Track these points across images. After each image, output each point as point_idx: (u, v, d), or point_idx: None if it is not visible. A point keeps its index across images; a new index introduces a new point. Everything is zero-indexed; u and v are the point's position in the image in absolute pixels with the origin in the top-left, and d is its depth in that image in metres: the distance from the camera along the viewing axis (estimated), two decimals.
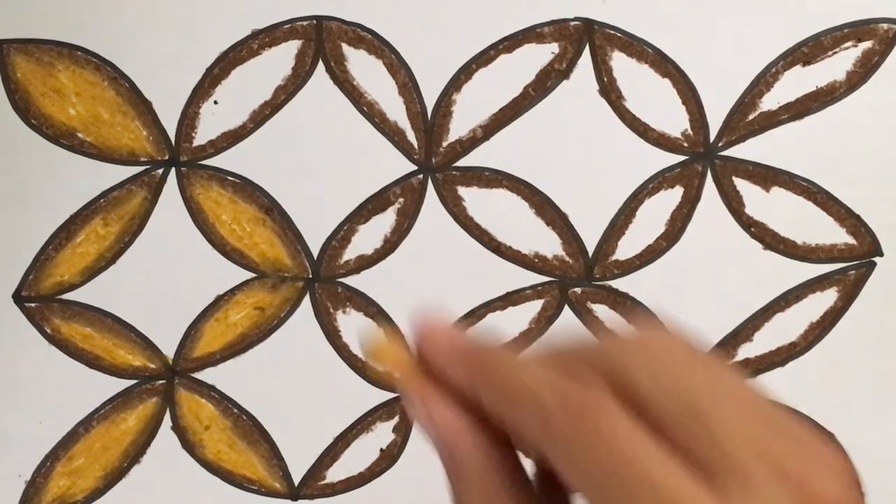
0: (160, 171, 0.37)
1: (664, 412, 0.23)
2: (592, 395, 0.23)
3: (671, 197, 0.39)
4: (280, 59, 0.37)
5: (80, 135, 0.36)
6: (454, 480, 0.26)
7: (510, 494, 0.25)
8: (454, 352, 0.26)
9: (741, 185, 0.39)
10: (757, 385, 0.25)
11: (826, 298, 0.40)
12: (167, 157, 0.37)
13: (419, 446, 0.39)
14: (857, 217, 0.40)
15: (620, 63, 0.38)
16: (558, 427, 0.23)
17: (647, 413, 0.23)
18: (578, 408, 0.23)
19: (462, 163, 0.38)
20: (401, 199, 0.38)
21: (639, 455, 0.22)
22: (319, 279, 0.39)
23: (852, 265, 0.40)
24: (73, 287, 0.37)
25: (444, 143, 0.38)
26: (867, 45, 0.39)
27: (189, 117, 0.37)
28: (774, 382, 0.40)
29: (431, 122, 0.38)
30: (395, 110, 0.38)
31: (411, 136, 0.38)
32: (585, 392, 0.23)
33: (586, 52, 0.38)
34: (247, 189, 0.38)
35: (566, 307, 0.39)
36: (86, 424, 0.38)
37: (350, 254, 0.39)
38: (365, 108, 0.38)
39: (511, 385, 0.24)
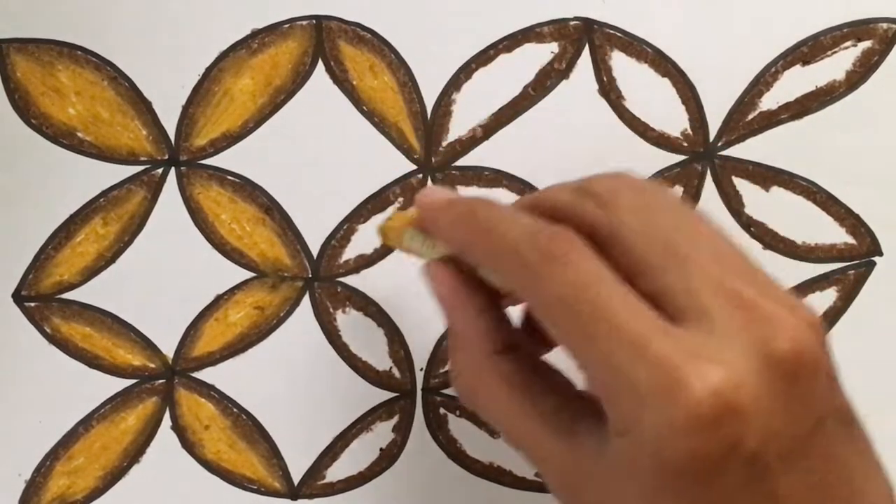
0: (160, 170, 0.37)
1: (643, 253, 0.24)
2: (561, 234, 0.25)
3: None
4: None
5: (79, 134, 0.36)
6: (449, 334, 0.30)
7: (486, 352, 0.28)
8: (448, 207, 0.28)
9: (741, 184, 0.39)
10: (732, 237, 0.26)
11: (826, 298, 0.40)
12: (167, 157, 0.37)
13: (419, 446, 0.39)
14: (857, 217, 0.40)
15: (620, 63, 0.38)
16: (527, 264, 0.24)
17: (625, 256, 0.25)
18: (547, 245, 0.24)
19: (462, 162, 0.38)
20: (401, 199, 0.38)
21: (601, 291, 0.23)
22: (319, 279, 0.39)
23: (852, 265, 0.40)
24: (72, 287, 0.37)
25: (444, 143, 0.38)
26: (867, 44, 0.39)
27: (189, 117, 0.37)
28: None
29: (431, 122, 0.38)
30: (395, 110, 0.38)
31: (411, 136, 0.38)
32: (555, 231, 0.25)
33: (586, 52, 0.38)
34: (246, 189, 0.38)
35: None
36: (85, 424, 0.38)
37: (350, 253, 0.39)
38: (364, 108, 0.38)
39: (493, 237, 0.26)
